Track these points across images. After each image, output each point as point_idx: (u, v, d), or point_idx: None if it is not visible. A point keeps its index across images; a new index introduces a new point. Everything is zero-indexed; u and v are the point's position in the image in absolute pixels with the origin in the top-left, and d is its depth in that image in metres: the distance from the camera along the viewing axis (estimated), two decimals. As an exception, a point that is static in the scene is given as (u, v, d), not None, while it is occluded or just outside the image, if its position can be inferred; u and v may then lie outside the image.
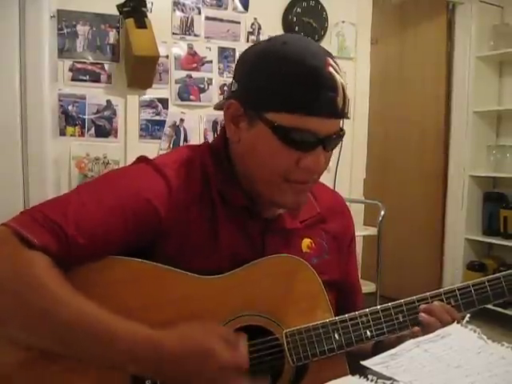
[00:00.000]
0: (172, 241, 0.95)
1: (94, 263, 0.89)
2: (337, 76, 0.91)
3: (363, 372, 0.74)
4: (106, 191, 0.93)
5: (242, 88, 0.96)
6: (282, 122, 0.90)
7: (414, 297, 1.03)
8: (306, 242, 1.07)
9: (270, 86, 0.90)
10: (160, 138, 2.94)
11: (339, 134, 0.96)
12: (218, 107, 1.06)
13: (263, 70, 0.92)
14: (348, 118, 0.95)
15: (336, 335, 0.97)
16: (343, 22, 3.41)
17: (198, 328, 0.87)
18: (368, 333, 0.99)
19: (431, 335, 0.85)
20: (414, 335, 0.96)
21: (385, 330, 1.00)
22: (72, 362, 0.85)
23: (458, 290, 1.04)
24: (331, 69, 0.90)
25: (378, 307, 1.01)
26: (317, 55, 0.91)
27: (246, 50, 1.00)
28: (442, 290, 1.04)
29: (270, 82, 0.90)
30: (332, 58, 0.93)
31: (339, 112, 0.92)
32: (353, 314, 0.99)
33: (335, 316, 1.00)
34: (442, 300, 1.03)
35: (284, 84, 0.89)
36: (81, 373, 0.86)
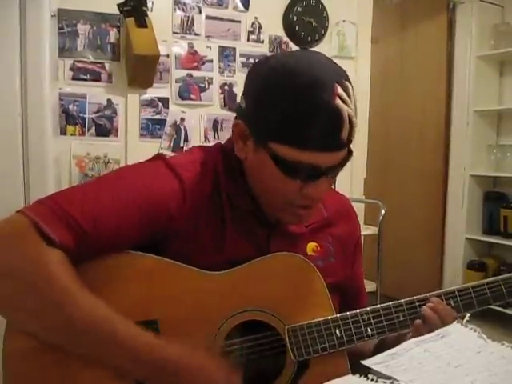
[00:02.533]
0: (181, 239, 0.96)
1: (107, 257, 0.92)
2: (344, 108, 0.88)
3: (364, 371, 0.75)
4: (123, 188, 0.94)
5: (248, 110, 0.95)
6: (283, 154, 0.90)
7: (415, 297, 1.04)
8: (312, 245, 1.08)
9: (273, 117, 0.89)
10: (160, 137, 2.94)
11: (345, 160, 0.95)
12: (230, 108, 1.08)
13: (268, 99, 0.90)
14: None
15: (337, 332, 0.98)
16: (344, 21, 3.41)
17: (199, 347, 0.90)
18: (369, 330, 1.00)
19: (431, 334, 0.85)
20: (416, 329, 0.98)
21: (385, 328, 1.01)
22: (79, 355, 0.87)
23: (458, 291, 1.06)
24: (338, 101, 0.88)
25: (379, 306, 1.02)
26: (325, 85, 0.87)
27: (256, 67, 0.98)
28: (441, 291, 1.05)
29: (273, 113, 0.89)
30: (342, 81, 0.90)
31: (343, 144, 0.91)
32: (354, 311, 1.01)
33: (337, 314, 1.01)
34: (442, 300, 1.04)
35: (287, 118, 0.88)
36: (89, 365, 0.87)
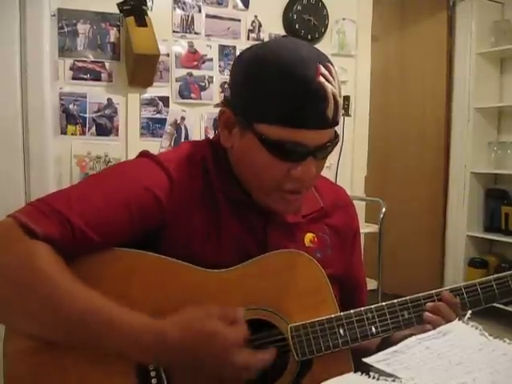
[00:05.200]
0: (175, 235, 0.96)
1: (99, 254, 0.91)
2: (327, 86, 0.89)
3: (365, 369, 0.75)
4: (111, 183, 0.94)
5: (233, 96, 0.96)
6: (270, 134, 0.90)
7: (420, 294, 1.03)
8: (309, 236, 1.07)
9: (258, 98, 0.90)
10: (161, 136, 2.94)
11: (332, 142, 0.95)
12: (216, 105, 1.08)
13: (252, 81, 0.90)
14: (337, 124, 0.95)
15: (341, 331, 0.98)
16: (344, 19, 3.40)
17: (196, 312, 0.88)
18: (373, 329, 0.99)
19: (433, 332, 0.85)
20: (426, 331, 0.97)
21: (390, 326, 1.00)
22: (77, 351, 0.86)
23: (464, 288, 1.04)
24: (322, 78, 0.88)
25: (384, 304, 1.01)
26: (308, 64, 0.89)
27: (239, 56, 0.99)
28: (447, 287, 1.04)
29: (258, 94, 0.89)
30: (325, 63, 0.91)
31: (329, 122, 0.91)
32: (358, 309, 1.00)
33: (340, 310, 1.00)
34: None
35: (272, 97, 0.88)
36: (86, 360, 0.87)
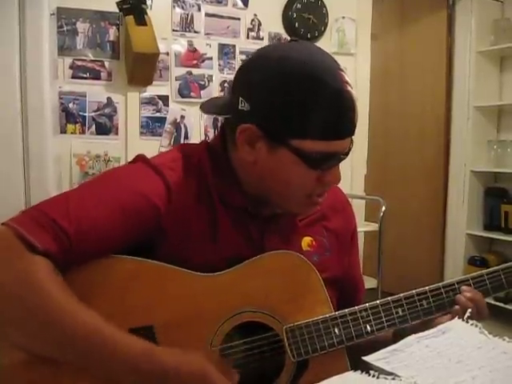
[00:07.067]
0: (171, 240, 0.95)
1: (96, 262, 0.90)
2: (353, 93, 0.91)
3: (365, 368, 0.75)
4: (107, 191, 0.93)
5: (259, 113, 0.92)
6: (307, 148, 0.91)
7: (414, 291, 1.03)
8: (307, 240, 1.07)
9: (294, 114, 0.89)
10: (161, 135, 2.94)
11: (351, 145, 0.98)
12: (209, 111, 1.07)
13: (285, 97, 0.89)
14: None
15: (336, 330, 0.98)
16: (343, 17, 3.41)
17: (197, 352, 0.87)
18: (368, 327, 0.99)
19: (433, 330, 0.85)
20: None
21: (385, 324, 1.00)
22: (75, 368, 0.85)
23: (457, 283, 1.05)
24: (349, 87, 0.90)
25: (378, 302, 1.01)
26: (335, 74, 0.90)
27: (253, 63, 0.96)
28: (440, 284, 1.05)
29: (293, 110, 0.89)
30: (341, 68, 0.92)
31: (355, 129, 0.94)
32: (352, 308, 1.00)
33: (336, 312, 1.00)
34: (441, 294, 1.03)
35: (309, 112, 0.88)
36: (83, 378, 0.86)
